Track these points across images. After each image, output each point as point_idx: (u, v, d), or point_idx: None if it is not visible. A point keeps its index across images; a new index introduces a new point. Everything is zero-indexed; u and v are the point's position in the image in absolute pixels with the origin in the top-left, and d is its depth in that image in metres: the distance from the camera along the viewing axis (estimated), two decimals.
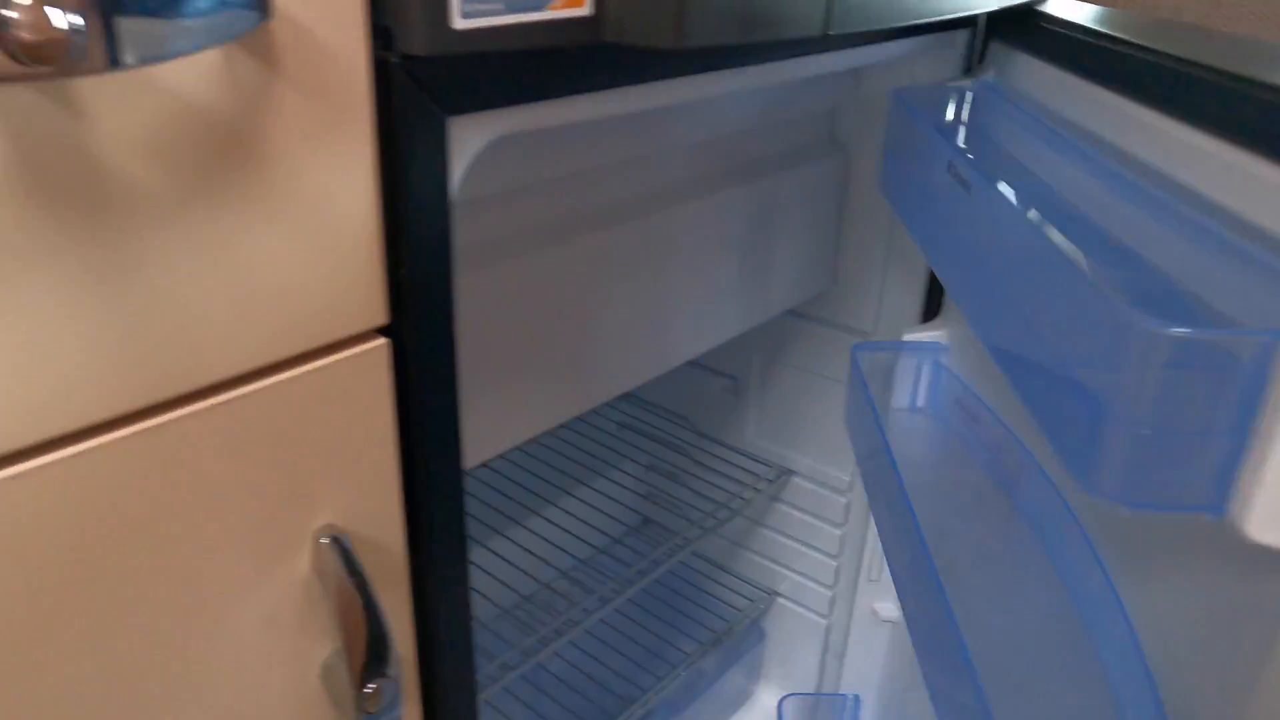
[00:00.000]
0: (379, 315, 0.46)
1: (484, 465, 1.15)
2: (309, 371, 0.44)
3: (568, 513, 1.20)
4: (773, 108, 0.81)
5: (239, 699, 0.47)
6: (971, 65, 0.81)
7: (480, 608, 1.01)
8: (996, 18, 0.78)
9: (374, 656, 0.50)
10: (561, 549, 1.15)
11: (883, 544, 0.82)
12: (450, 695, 0.59)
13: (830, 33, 0.54)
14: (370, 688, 0.50)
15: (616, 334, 0.71)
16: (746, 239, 0.81)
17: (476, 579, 1.08)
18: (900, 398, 0.91)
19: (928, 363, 0.91)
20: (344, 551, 0.47)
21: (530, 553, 1.13)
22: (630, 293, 0.72)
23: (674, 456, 1.20)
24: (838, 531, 1.09)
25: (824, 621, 1.16)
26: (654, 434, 1.21)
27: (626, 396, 1.25)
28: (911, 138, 0.75)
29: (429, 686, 0.58)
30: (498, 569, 1.09)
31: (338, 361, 0.45)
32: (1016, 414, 0.78)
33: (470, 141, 0.47)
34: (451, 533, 0.54)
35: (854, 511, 1.07)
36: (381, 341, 0.47)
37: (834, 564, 1.11)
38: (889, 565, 0.78)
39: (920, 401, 0.91)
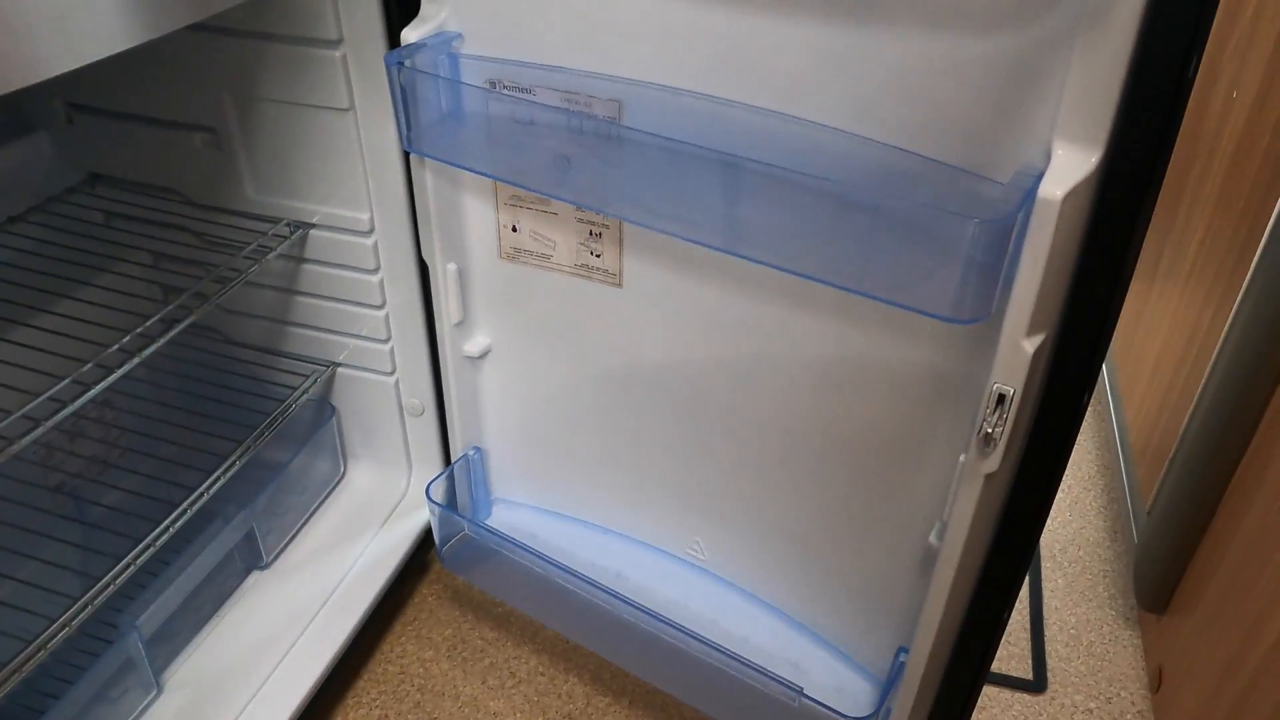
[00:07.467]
0: None
1: None
2: None
3: (80, 319, 1.01)
4: None
5: None
6: None
7: None
8: None
9: None
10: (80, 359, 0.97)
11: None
12: None
13: None
14: None
15: None
16: None
17: None
18: (436, 103, 0.82)
19: (445, 55, 0.81)
20: None
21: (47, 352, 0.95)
22: None
23: (177, 236, 1.04)
24: (375, 278, 1.00)
25: (391, 379, 1.09)
26: (148, 217, 1.04)
27: (104, 179, 1.06)
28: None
29: None
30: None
31: None
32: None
33: None
34: None
35: (384, 253, 0.98)
36: None
37: (381, 314, 1.03)
38: None
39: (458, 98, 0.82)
